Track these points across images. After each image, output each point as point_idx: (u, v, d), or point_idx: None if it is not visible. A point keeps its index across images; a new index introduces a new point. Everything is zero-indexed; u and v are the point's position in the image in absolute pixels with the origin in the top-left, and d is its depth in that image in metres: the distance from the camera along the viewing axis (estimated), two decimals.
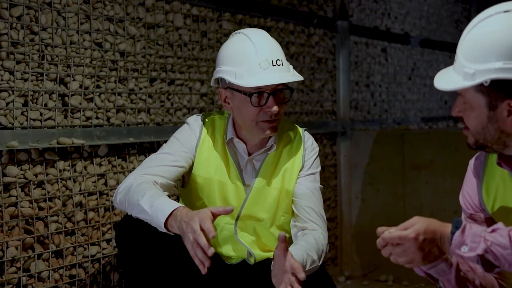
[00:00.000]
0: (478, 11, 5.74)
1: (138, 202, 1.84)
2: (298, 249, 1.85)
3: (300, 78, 2.02)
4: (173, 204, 1.81)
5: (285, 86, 2.01)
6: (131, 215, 1.92)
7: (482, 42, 1.50)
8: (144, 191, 1.86)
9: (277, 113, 1.98)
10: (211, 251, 1.66)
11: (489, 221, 1.69)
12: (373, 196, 3.78)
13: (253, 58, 1.96)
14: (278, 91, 2.00)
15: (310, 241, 1.95)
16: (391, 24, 4.54)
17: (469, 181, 1.75)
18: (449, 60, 5.31)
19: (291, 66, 2.05)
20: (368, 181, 3.80)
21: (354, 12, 4.07)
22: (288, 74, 2.00)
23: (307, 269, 1.83)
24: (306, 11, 3.62)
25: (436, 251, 1.51)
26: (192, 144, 2.09)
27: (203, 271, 1.69)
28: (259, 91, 1.97)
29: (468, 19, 5.81)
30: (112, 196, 2.42)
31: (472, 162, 1.76)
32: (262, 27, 3.16)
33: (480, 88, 1.51)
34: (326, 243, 2.02)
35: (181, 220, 1.74)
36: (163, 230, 1.80)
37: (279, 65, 1.98)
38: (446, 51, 5.33)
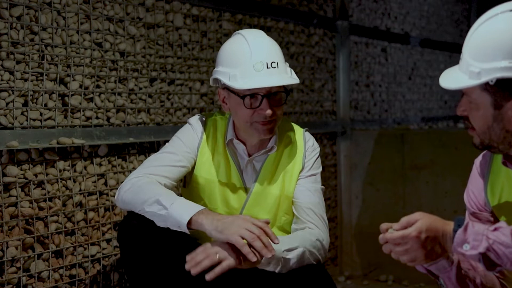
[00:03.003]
0: (478, 11, 5.75)
1: (157, 198, 1.85)
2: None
3: (295, 81, 2.00)
4: (197, 205, 1.85)
5: (282, 88, 2.00)
6: (132, 214, 1.92)
7: (488, 41, 1.50)
8: (160, 189, 1.89)
9: (271, 115, 1.96)
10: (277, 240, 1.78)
11: (495, 220, 1.69)
12: (373, 196, 3.78)
13: (247, 60, 1.95)
14: (273, 94, 1.98)
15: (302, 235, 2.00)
16: (391, 24, 4.53)
17: (474, 180, 1.75)
18: (449, 60, 5.31)
19: (289, 68, 2.03)
20: (368, 181, 3.79)
21: (354, 12, 4.06)
22: (282, 77, 1.98)
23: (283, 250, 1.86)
24: (306, 11, 3.61)
25: (438, 249, 1.51)
26: (194, 144, 2.09)
27: (269, 254, 1.75)
28: (252, 93, 1.95)
29: (468, 19, 5.81)
30: (113, 196, 2.42)
31: (477, 161, 1.76)
32: (262, 27, 3.16)
33: (486, 87, 1.50)
34: (327, 242, 2.02)
35: (215, 219, 1.79)
36: (179, 227, 1.81)
37: (274, 67, 1.95)
38: (446, 51, 5.33)
